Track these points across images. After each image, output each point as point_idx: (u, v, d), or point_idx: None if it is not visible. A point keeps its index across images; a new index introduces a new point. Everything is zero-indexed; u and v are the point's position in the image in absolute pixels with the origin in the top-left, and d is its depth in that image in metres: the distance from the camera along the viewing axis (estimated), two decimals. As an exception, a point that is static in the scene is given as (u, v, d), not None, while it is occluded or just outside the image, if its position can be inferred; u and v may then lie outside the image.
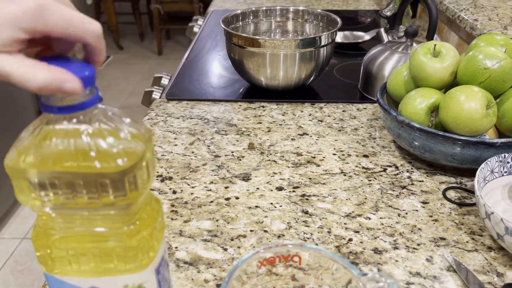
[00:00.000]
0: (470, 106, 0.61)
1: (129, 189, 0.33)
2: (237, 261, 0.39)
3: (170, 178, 0.69)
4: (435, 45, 0.68)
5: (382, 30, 1.00)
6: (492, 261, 0.54)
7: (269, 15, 1.03)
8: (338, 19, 0.94)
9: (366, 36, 1.23)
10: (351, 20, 1.49)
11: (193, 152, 0.75)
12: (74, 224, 0.34)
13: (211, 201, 0.64)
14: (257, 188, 0.67)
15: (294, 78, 0.90)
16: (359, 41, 1.20)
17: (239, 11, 1.01)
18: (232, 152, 0.76)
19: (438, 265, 0.53)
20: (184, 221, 0.60)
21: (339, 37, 1.24)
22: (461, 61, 0.67)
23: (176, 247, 0.56)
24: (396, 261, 0.54)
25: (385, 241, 0.57)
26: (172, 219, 0.61)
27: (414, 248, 0.56)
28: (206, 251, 0.55)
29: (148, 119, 0.86)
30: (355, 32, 1.28)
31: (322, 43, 0.88)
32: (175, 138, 0.79)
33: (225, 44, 0.95)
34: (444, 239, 0.57)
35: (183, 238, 0.57)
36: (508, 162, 0.62)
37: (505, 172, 0.62)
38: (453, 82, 0.68)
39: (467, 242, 0.57)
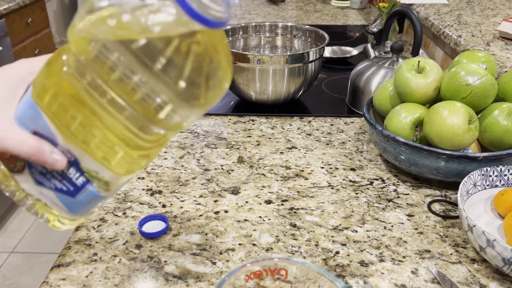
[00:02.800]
0: (453, 121, 0.63)
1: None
2: (225, 275, 0.40)
3: (160, 192, 0.70)
4: (419, 61, 0.70)
5: (369, 45, 1.02)
6: (475, 273, 0.55)
7: (259, 30, 1.05)
8: (326, 35, 0.96)
9: (354, 51, 1.25)
10: (340, 35, 1.51)
11: (182, 166, 0.76)
12: (99, 98, 0.34)
13: (200, 215, 0.65)
14: (246, 202, 0.68)
15: (283, 92, 0.92)
16: (347, 56, 1.23)
17: (228, 27, 1.02)
18: (222, 165, 0.77)
19: (423, 277, 0.54)
20: (173, 235, 0.61)
21: (328, 52, 1.26)
22: (444, 77, 0.69)
23: (165, 261, 0.56)
24: (382, 273, 0.55)
25: (371, 254, 0.58)
26: (161, 233, 0.61)
27: (399, 261, 0.57)
28: (195, 265, 0.56)
29: (139, 133, 0.87)
30: (343, 47, 1.30)
31: (310, 59, 0.90)
32: (165, 152, 0.80)
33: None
34: (429, 251, 0.58)
35: (172, 252, 0.58)
36: (490, 176, 0.63)
37: (488, 185, 0.63)
38: (436, 98, 0.70)
39: (451, 254, 0.58)
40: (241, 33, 1.04)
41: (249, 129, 0.89)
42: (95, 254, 0.58)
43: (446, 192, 0.70)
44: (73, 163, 0.38)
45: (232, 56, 0.89)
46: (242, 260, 0.57)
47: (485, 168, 0.63)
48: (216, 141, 0.84)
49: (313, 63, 0.91)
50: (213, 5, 0.31)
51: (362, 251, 0.58)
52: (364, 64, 0.95)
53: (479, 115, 0.65)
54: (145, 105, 0.34)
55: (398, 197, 0.69)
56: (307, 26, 1.03)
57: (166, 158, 0.78)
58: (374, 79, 0.92)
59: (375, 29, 1.00)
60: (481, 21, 1.16)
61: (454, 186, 0.71)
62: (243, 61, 0.88)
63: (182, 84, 0.33)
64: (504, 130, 0.64)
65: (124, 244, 0.59)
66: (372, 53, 1.02)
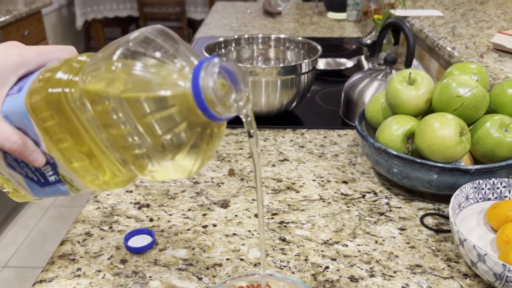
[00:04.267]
0: (444, 133, 0.62)
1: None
2: (205, 292, 0.39)
3: (148, 206, 0.68)
4: (410, 73, 0.70)
5: (362, 57, 1.02)
6: (467, 288, 0.54)
7: (251, 42, 1.05)
8: (319, 47, 0.96)
9: (349, 63, 1.25)
10: (336, 47, 1.51)
11: (173, 182, 0.75)
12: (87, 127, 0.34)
13: (188, 229, 0.63)
14: (236, 215, 0.66)
15: (276, 104, 0.91)
16: (342, 68, 1.22)
17: (221, 39, 1.02)
18: (212, 178, 0.76)
19: (413, 293, 0.53)
20: (159, 250, 0.60)
21: (322, 64, 1.26)
22: (435, 89, 0.68)
23: (150, 277, 0.55)
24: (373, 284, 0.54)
25: (362, 269, 0.57)
26: (147, 247, 0.60)
27: (390, 276, 0.56)
28: (181, 281, 0.55)
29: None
30: (337, 59, 1.30)
31: (303, 71, 0.89)
32: (155, 165, 0.79)
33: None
34: (421, 266, 0.57)
35: (158, 267, 0.57)
36: (482, 189, 0.62)
37: (480, 198, 0.62)
38: (428, 109, 0.69)
39: (443, 269, 0.57)
40: (233, 45, 1.04)
41: (241, 141, 0.88)
42: (79, 269, 0.56)
43: (439, 206, 0.69)
44: (51, 164, 0.38)
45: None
46: (229, 275, 0.56)
47: (477, 181, 0.62)
48: (207, 153, 0.83)
49: (306, 75, 0.91)
50: (222, 108, 0.31)
51: (352, 266, 0.57)
52: (357, 76, 0.95)
53: (470, 127, 0.64)
54: (128, 152, 0.34)
55: (390, 210, 0.68)
56: (300, 38, 1.02)
57: (156, 171, 0.77)
58: (367, 91, 0.91)
59: (368, 41, 1.00)
60: (476, 33, 1.16)
61: (447, 199, 0.70)
62: (234, 73, 0.87)
63: (162, 139, 0.32)
64: (497, 142, 0.64)
65: (109, 259, 0.58)
66: (366, 65, 1.01)
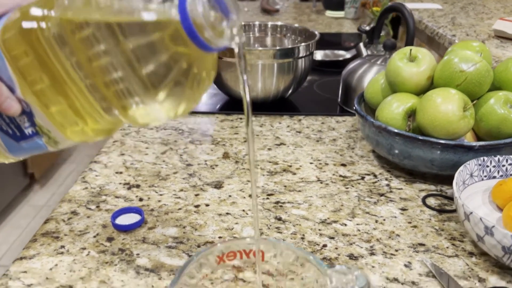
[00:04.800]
0: (446, 108, 0.59)
1: None
2: (192, 256, 0.36)
3: (138, 186, 0.65)
4: (410, 50, 0.67)
5: (361, 44, 1.00)
6: (473, 266, 0.51)
7: (248, 30, 1.03)
8: (316, 32, 0.94)
9: (347, 55, 1.23)
10: (334, 42, 1.49)
11: (164, 161, 0.72)
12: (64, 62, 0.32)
13: (179, 208, 0.61)
14: (229, 196, 0.64)
15: (272, 89, 0.89)
16: (340, 59, 1.20)
17: (217, 25, 1.00)
18: (206, 161, 0.73)
19: (416, 271, 0.50)
20: (148, 228, 0.56)
21: (320, 56, 1.23)
22: (437, 66, 0.66)
23: (137, 254, 0.52)
24: (373, 266, 0.51)
25: (361, 247, 0.54)
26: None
27: (391, 254, 0.53)
28: (170, 258, 0.52)
29: (120, 129, 0.83)
30: (336, 51, 1.27)
31: (300, 54, 0.87)
32: (146, 148, 0.76)
33: (202, 56, 0.93)
34: (423, 245, 0.54)
35: (146, 245, 0.54)
36: (487, 166, 0.59)
37: (485, 176, 0.60)
38: (430, 87, 0.67)
39: (447, 247, 0.54)
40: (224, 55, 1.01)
41: (237, 127, 0.85)
42: (62, 246, 0.53)
43: (441, 187, 0.66)
44: (27, 113, 0.35)
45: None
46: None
47: (482, 158, 0.59)
48: (201, 137, 0.81)
49: (303, 59, 0.88)
50: (212, 34, 0.28)
51: (351, 244, 0.54)
52: (356, 62, 0.93)
53: (474, 102, 0.61)
54: (109, 89, 0.31)
55: (391, 191, 0.65)
56: (297, 25, 1.00)
57: (147, 154, 0.74)
58: (366, 76, 0.88)
59: (367, 28, 0.98)
60: (476, 23, 1.14)
61: (449, 180, 0.67)
62: (231, 56, 0.85)
63: (145, 70, 0.30)
64: (501, 118, 0.61)
65: (94, 237, 0.55)
66: (364, 52, 0.99)
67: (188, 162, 0.72)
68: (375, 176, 0.69)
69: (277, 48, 0.84)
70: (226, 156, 0.75)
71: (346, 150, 0.77)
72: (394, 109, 0.65)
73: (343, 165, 0.72)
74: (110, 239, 0.54)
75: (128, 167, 0.70)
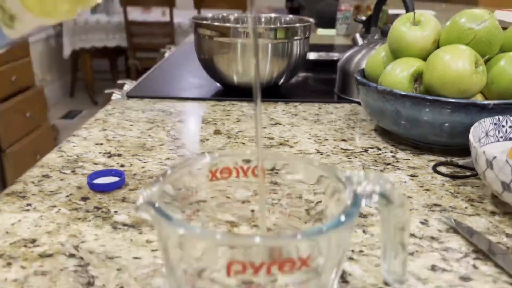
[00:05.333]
0: (457, 65, 0.55)
1: None
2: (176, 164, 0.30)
3: (119, 155, 0.59)
4: (414, 13, 0.63)
5: (357, 35, 0.97)
6: (498, 223, 0.45)
7: (239, 23, 0.99)
8: (311, 19, 0.90)
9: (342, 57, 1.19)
10: (327, 48, 1.47)
11: (149, 136, 0.66)
12: None
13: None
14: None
15: (266, 73, 0.84)
16: (334, 58, 1.17)
17: (210, 15, 0.96)
18: (195, 135, 0.67)
19: (435, 227, 0.44)
20: (129, 190, 0.50)
21: (313, 56, 1.20)
22: (443, 29, 0.62)
23: (115, 211, 0.45)
24: (384, 224, 0.44)
25: (370, 207, 0.48)
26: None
27: (404, 213, 0.46)
28: (153, 215, 0.45)
29: (104, 111, 0.77)
30: (330, 53, 1.24)
31: (296, 37, 0.83)
32: (130, 125, 0.71)
33: (194, 42, 0.89)
34: (439, 205, 0.48)
35: (126, 203, 0.47)
36: (503, 126, 0.54)
37: (501, 137, 0.55)
38: (436, 51, 0.63)
39: (466, 208, 0.48)
40: (216, 34, 0.98)
41: (229, 110, 0.80)
42: (29, 204, 0.46)
43: (451, 158, 0.61)
44: None
45: (211, 31, 0.82)
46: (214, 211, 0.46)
47: (497, 117, 0.54)
48: (191, 117, 0.75)
49: (298, 42, 0.84)
50: None
51: (358, 204, 0.48)
52: (353, 50, 0.89)
53: (485, 58, 0.57)
54: None
55: (398, 161, 0.59)
56: (291, 16, 0.97)
57: (131, 130, 0.68)
58: (364, 61, 0.84)
59: (363, 17, 0.95)
60: (472, 21, 1.12)
61: (459, 153, 0.62)
62: (223, 36, 0.80)
63: None
64: (515, 78, 0.57)
65: (67, 196, 0.48)
66: (360, 41, 0.96)
67: (176, 137, 0.67)
68: (379, 149, 0.63)
69: (272, 26, 0.80)
70: (217, 132, 0.69)
71: (346, 129, 0.71)
72: (398, 73, 0.61)
73: (344, 140, 0.67)
74: (84, 199, 0.48)
75: (109, 140, 0.64)
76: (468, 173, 0.56)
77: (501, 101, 0.55)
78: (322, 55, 1.21)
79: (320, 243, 0.25)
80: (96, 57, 3.73)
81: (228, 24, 0.80)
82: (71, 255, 0.38)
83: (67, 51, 3.49)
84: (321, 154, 0.61)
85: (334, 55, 1.22)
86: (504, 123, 0.54)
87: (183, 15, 3.65)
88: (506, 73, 0.57)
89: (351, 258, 0.39)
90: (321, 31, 1.97)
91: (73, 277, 0.36)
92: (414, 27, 0.63)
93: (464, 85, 0.55)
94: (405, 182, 0.54)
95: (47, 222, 0.43)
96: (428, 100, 0.56)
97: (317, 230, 0.24)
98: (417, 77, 0.60)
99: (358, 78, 0.66)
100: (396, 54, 0.65)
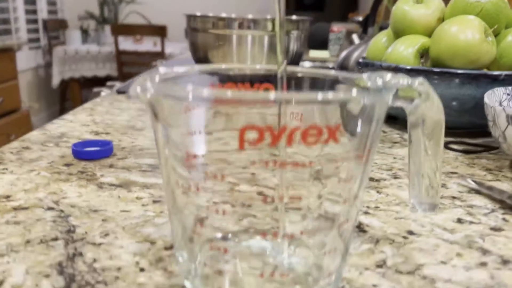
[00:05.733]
0: (466, 35, 0.53)
1: None
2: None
3: (107, 133, 0.55)
4: (417, -7, 0.62)
5: (354, 35, 0.95)
6: (522, 186, 0.41)
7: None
8: (309, 18, 0.89)
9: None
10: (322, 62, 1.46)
11: (140, 120, 0.62)
12: None
13: (157, 146, 0.50)
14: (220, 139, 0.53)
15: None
16: (330, 66, 1.15)
17: (198, 14, 0.94)
18: (189, 121, 0.63)
19: (455, 189, 0.40)
20: (118, 159, 0.46)
21: (308, 65, 1.19)
22: (448, 5, 0.60)
23: (101, 175, 0.41)
24: (399, 186, 0.40)
25: (382, 174, 0.44)
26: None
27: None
28: (143, 178, 0.41)
29: (91, 102, 0.73)
30: (325, 63, 1.23)
31: (293, 31, 0.81)
32: (120, 112, 0.67)
33: (188, 38, 0.86)
34: (456, 173, 0.44)
35: (114, 169, 0.43)
36: (517, 97, 0.52)
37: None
38: (441, 29, 0.60)
39: (484, 175, 0.44)
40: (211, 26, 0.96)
41: (223, 104, 0.76)
42: (5, 169, 0.42)
43: (461, 139, 0.57)
44: None
45: (206, 23, 0.79)
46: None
47: (510, 87, 0.51)
48: (184, 108, 0.72)
49: (295, 36, 0.82)
50: None
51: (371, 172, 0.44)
52: (352, 47, 0.87)
53: (493, 29, 0.55)
54: None
55: (405, 141, 0.56)
56: (288, 17, 0.95)
57: (120, 116, 0.64)
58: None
59: (360, 18, 0.94)
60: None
61: (467, 134, 0.58)
62: (217, 27, 0.78)
63: None
64: (526, 51, 0.54)
65: (49, 163, 0.44)
66: (358, 42, 0.94)
67: (169, 121, 0.63)
68: (384, 132, 0.60)
69: (269, 17, 0.78)
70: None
71: (347, 118, 0.68)
72: (403, 51, 0.58)
73: (346, 125, 0.63)
74: (68, 165, 0.43)
75: (97, 123, 0.60)
76: (481, 150, 0.52)
77: (513, 72, 0.52)
78: (317, 65, 1.19)
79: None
80: (86, 87, 3.70)
81: (223, 15, 0.78)
82: (50, 208, 0.34)
83: (56, 81, 3.46)
84: (324, 135, 0.58)
85: (329, 65, 1.20)
86: (517, 94, 0.52)
87: (175, 46, 3.68)
88: (515, 47, 0.55)
89: (367, 212, 0.35)
90: (313, 53, 1.97)
91: (50, 226, 0.31)
92: (418, 5, 0.61)
93: (474, 54, 0.52)
94: (416, 155, 0.50)
95: (24, 182, 0.38)
96: (437, 73, 0.53)
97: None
98: (423, 53, 0.58)
99: (360, 61, 0.63)
100: (399, 34, 0.62)
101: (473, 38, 0.52)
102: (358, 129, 0.21)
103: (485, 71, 0.53)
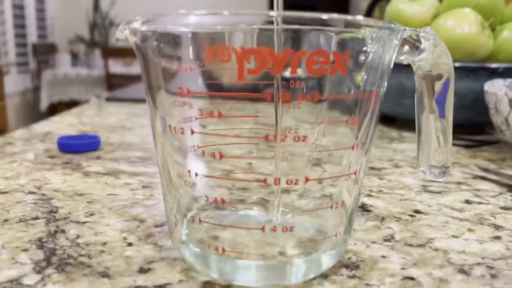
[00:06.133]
0: (462, 28, 0.52)
1: None
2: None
3: (95, 132, 0.53)
4: (410, -9, 0.61)
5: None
6: (528, 173, 0.40)
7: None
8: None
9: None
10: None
11: (129, 121, 0.60)
12: None
13: (148, 142, 0.48)
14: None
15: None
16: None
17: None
18: (180, 122, 0.61)
19: (460, 176, 0.38)
20: (105, 152, 0.43)
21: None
22: (442, 4, 0.59)
23: (88, 165, 0.39)
24: (402, 174, 0.39)
25: (383, 164, 0.42)
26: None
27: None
28: (132, 167, 0.38)
29: (79, 108, 0.71)
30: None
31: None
32: (109, 115, 0.65)
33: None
34: (458, 163, 0.43)
35: (101, 160, 0.40)
36: (516, 90, 0.51)
37: (515, 102, 0.50)
38: (435, 27, 0.60)
39: (488, 165, 0.43)
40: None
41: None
42: (-15, 159, 0.39)
43: (460, 136, 0.56)
44: None
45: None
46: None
47: (509, 80, 0.50)
48: (175, 112, 0.70)
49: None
50: None
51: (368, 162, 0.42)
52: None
53: (489, 22, 0.54)
54: None
55: (403, 137, 0.55)
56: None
57: (109, 118, 0.62)
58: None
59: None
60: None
61: (467, 133, 0.57)
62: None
63: None
64: (522, 45, 0.54)
65: (33, 156, 0.41)
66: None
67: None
68: (381, 131, 0.59)
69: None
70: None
71: (342, 120, 0.67)
72: (398, 48, 0.57)
73: (342, 126, 0.62)
74: (53, 157, 0.41)
75: (85, 123, 0.58)
76: (481, 144, 0.51)
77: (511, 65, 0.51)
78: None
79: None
80: (75, 110, 3.67)
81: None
82: (31, 192, 0.31)
83: (44, 104, 3.44)
84: (319, 133, 0.56)
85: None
86: (516, 87, 0.51)
87: (165, 69, 3.68)
88: (511, 40, 0.54)
89: (369, 195, 0.33)
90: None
91: (31, 207, 0.28)
92: (412, 3, 0.60)
93: (471, 46, 0.51)
94: (414, 149, 0.48)
95: (5, 171, 0.36)
96: (433, 67, 0.52)
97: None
98: (418, 50, 0.57)
99: (354, 60, 0.62)
100: (393, 33, 0.62)
101: (469, 31, 0.51)
102: (365, 74, 0.20)
103: (483, 63, 0.52)
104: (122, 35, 0.20)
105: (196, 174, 0.20)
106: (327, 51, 0.17)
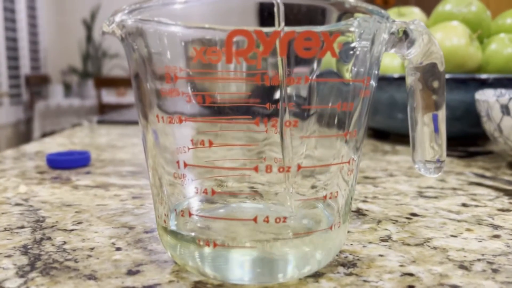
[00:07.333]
0: (451, 41, 0.52)
1: None
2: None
3: (87, 148, 0.52)
4: (398, 8, 0.62)
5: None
6: (523, 179, 0.39)
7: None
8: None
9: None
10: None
11: (121, 140, 0.60)
12: None
13: (140, 158, 0.47)
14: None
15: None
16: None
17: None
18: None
19: (455, 182, 0.38)
20: (96, 168, 0.43)
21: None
22: (430, 19, 0.60)
23: (78, 179, 0.38)
24: (396, 181, 0.38)
25: (377, 173, 0.41)
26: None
27: (416, 176, 0.41)
28: (123, 180, 0.38)
29: (70, 130, 0.71)
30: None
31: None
32: (100, 136, 0.64)
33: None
34: (453, 171, 0.43)
35: (91, 175, 0.40)
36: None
37: (506, 114, 0.51)
38: (424, 42, 0.61)
39: (483, 172, 0.42)
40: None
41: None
42: (-28, 176, 0.39)
43: (453, 148, 0.56)
44: None
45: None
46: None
47: (499, 90, 0.51)
48: (167, 132, 0.69)
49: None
50: None
51: (362, 172, 0.42)
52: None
53: (477, 33, 0.55)
54: None
55: (397, 151, 0.54)
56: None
57: (100, 139, 0.62)
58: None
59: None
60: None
61: (459, 145, 0.57)
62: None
63: None
64: (509, 55, 0.54)
65: (21, 171, 0.40)
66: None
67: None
68: (375, 145, 0.58)
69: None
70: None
71: (335, 136, 0.67)
72: (388, 63, 0.58)
73: (335, 141, 0.62)
74: (41, 172, 0.40)
75: (75, 143, 0.57)
76: (474, 154, 0.51)
77: (501, 75, 0.51)
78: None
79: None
80: (68, 141, 3.66)
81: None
82: (18, 204, 0.30)
83: (36, 134, 3.42)
84: (313, 148, 0.56)
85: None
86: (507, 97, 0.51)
87: (158, 98, 3.69)
88: (500, 52, 0.55)
89: (365, 201, 0.32)
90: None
91: (17, 217, 0.28)
92: (400, 18, 0.61)
93: (461, 57, 0.52)
94: (408, 161, 0.48)
95: (-9, 185, 0.35)
96: (424, 79, 0.52)
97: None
98: (408, 63, 0.57)
99: (345, 76, 0.63)
100: (382, 49, 0.62)
101: (458, 43, 0.52)
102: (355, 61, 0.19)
103: (473, 74, 0.52)
104: (108, 29, 0.20)
105: (185, 167, 0.20)
106: (316, 33, 0.17)
